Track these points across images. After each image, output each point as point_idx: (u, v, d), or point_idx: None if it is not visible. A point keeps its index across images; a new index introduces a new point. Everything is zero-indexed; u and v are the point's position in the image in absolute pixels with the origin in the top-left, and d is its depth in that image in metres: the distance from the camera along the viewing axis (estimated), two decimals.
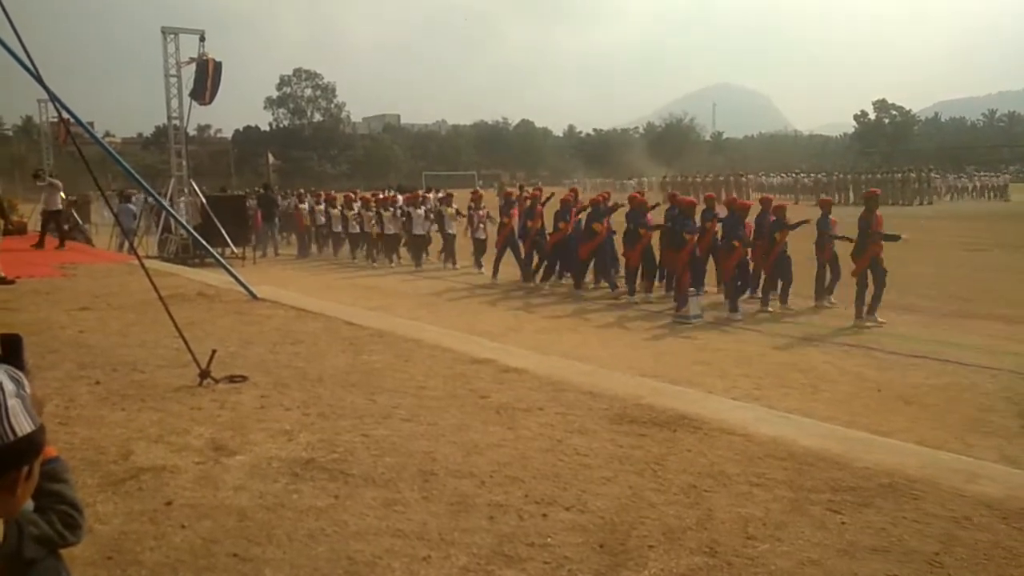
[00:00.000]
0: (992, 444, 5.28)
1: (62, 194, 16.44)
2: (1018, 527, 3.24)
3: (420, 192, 21.36)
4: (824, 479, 3.76)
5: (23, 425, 1.36)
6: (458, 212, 17.44)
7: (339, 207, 19.84)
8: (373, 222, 18.33)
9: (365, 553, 3.09)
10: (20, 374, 1.42)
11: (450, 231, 17.25)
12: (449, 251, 17.17)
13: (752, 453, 4.13)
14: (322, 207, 20.45)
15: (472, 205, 16.64)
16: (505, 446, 4.27)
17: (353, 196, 20.72)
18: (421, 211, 17.51)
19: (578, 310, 11.39)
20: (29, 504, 1.47)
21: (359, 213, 19.10)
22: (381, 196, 20.94)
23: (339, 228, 19.72)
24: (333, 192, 23.35)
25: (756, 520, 3.33)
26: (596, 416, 4.79)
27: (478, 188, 23.92)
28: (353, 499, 3.60)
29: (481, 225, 16.45)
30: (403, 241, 18.31)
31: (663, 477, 3.82)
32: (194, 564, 3.04)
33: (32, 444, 1.38)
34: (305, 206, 21.18)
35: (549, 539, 3.18)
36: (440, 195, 20.11)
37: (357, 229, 19.05)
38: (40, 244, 15.61)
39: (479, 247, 16.43)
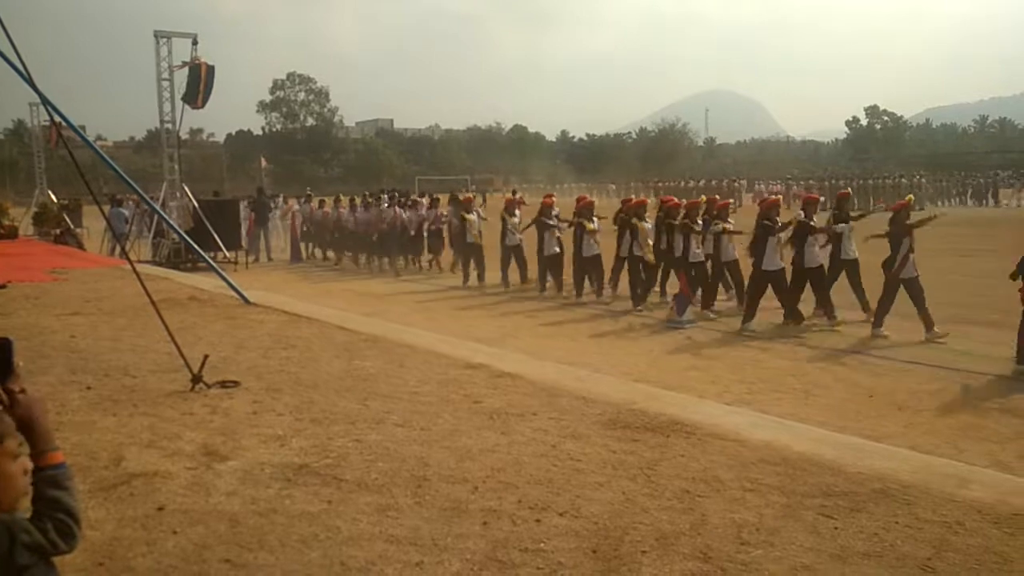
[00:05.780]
0: (984, 449, 5.30)
1: (54, 197, 16.28)
2: (1009, 532, 3.26)
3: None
4: (817, 484, 3.77)
5: None
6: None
7: (508, 214, 13.84)
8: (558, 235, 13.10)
9: (358, 559, 3.08)
10: None
11: (591, 252, 12.31)
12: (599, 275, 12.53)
13: (745, 458, 4.14)
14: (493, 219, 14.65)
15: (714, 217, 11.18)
16: (498, 451, 4.26)
17: (515, 197, 15.42)
18: (596, 223, 12.41)
19: (574, 316, 11.38)
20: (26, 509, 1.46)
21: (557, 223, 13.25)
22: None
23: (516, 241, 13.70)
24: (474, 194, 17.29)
25: (749, 525, 3.34)
26: (589, 421, 4.79)
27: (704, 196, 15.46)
28: (346, 504, 3.59)
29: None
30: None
31: (656, 482, 3.82)
32: (186, 570, 3.03)
33: None
34: (446, 212, 15.95)
35: (542, 544, 3.17)
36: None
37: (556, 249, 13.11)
38: None
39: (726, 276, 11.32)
